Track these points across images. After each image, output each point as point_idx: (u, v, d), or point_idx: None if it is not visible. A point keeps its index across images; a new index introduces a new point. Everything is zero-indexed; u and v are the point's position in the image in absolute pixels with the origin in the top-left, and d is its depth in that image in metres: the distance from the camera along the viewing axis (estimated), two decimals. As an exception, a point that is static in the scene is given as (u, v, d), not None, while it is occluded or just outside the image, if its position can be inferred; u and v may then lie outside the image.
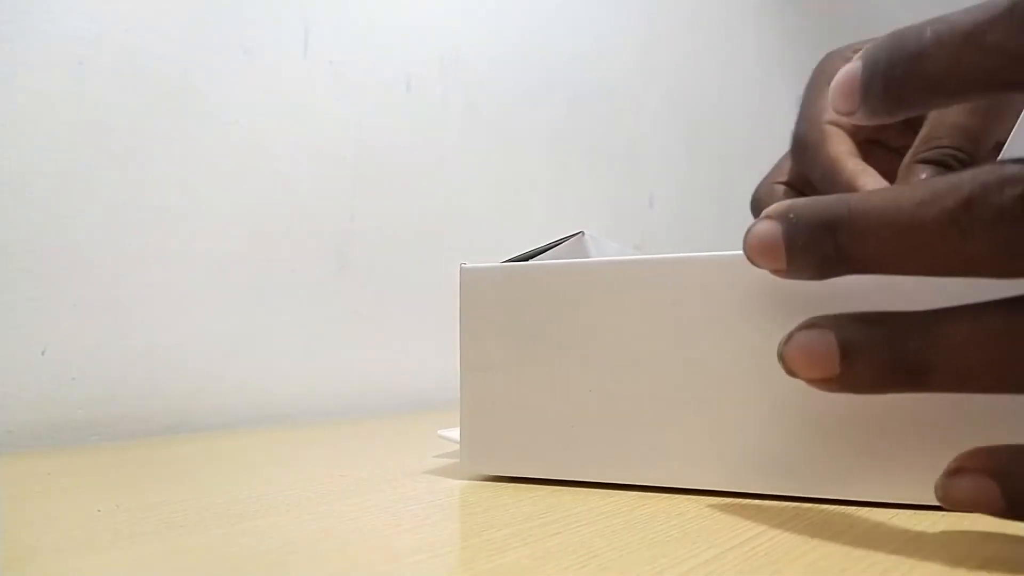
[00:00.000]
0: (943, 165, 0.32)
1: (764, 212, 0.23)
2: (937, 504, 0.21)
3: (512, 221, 0.78)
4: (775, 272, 0.22)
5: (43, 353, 0.47)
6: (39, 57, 0.47)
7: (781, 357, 0.22)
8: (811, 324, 0.22)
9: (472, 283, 0.31)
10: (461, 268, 0.31)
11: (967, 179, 0.19)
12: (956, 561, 0.19)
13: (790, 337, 0.22)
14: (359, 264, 0.64)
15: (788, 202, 0.22)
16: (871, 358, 0.20)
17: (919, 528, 0.22)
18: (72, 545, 0.22)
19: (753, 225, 0.23)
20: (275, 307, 0.58)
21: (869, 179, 0.34)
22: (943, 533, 0.22)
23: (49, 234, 0.47)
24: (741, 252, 0.26)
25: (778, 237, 0.22)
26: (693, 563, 0.19)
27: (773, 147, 0.53)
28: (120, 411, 0.49)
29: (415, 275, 0.68)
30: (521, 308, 0.30)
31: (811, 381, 0.21)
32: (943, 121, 0.32)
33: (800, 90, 0.45)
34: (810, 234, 0.21)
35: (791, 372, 0.22)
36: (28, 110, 0.47)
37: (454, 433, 0.32)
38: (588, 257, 0.32)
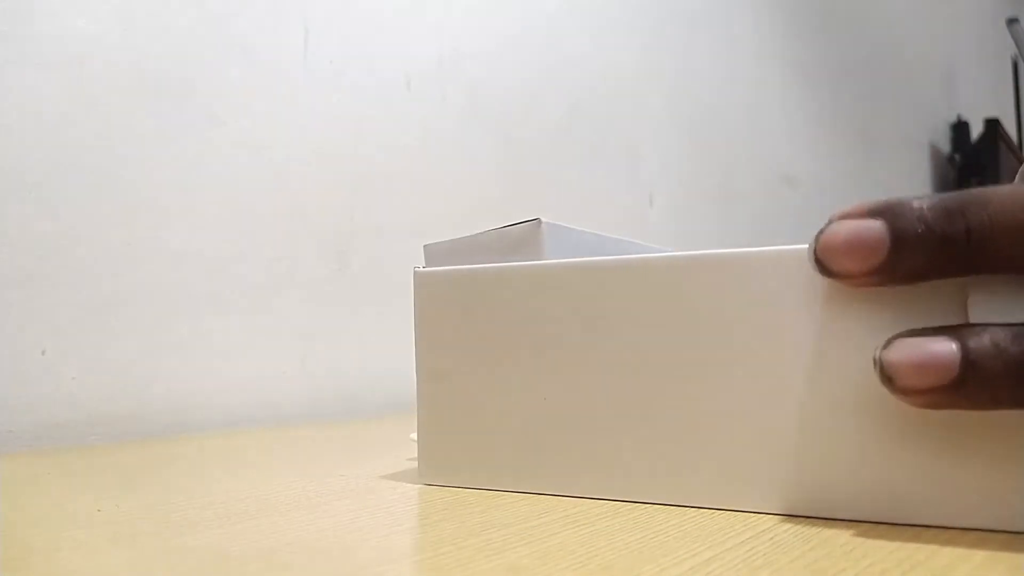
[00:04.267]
0: None
1: (843, 212, 0.21)
2: (928, 523, 0.21)
3: (512, 221, 0.78)
4: (857, 277, 0.21)
5: (43, 353, 0.47)
6: (39, 57, 0.47)
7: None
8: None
9: (426, 287, 0.30)
10: (415, 272, 0.30)
11: None
12: (955, 561, 0.19)
13: (826, 227, 0.21)
14: (358, 264, 0.64)
15: (881, 200, 0.21)
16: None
17: (918, 528, 0.22)
18: (72, 545, 0.22)
19: (833, 223, 0.21)
20: (275, 307, 0.58)
21: None
22: (942, 533, 0.22)
23: (49, 234, 0.47)
24: (702, 253, 0.25)
25: (880, 230, 0.20)
26: (693, 563, 0.19)
27: (773, 144, 0.53)
28: (120, 411, 0.49)
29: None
30: (477, 312, 0.29)
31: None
32: None
33: (797, 89, 0.44)
34: (934, 219, 0.20)
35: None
36: (28, 110, 0.47)
37: None
38: (541, 247, 0.30)
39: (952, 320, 0.21)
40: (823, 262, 0.22)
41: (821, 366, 0.24)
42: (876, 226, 0.21)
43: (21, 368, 0.46)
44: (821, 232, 0.21)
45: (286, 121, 0.60)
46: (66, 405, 0.47)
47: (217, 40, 0.56)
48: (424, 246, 0.32)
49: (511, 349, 0.28)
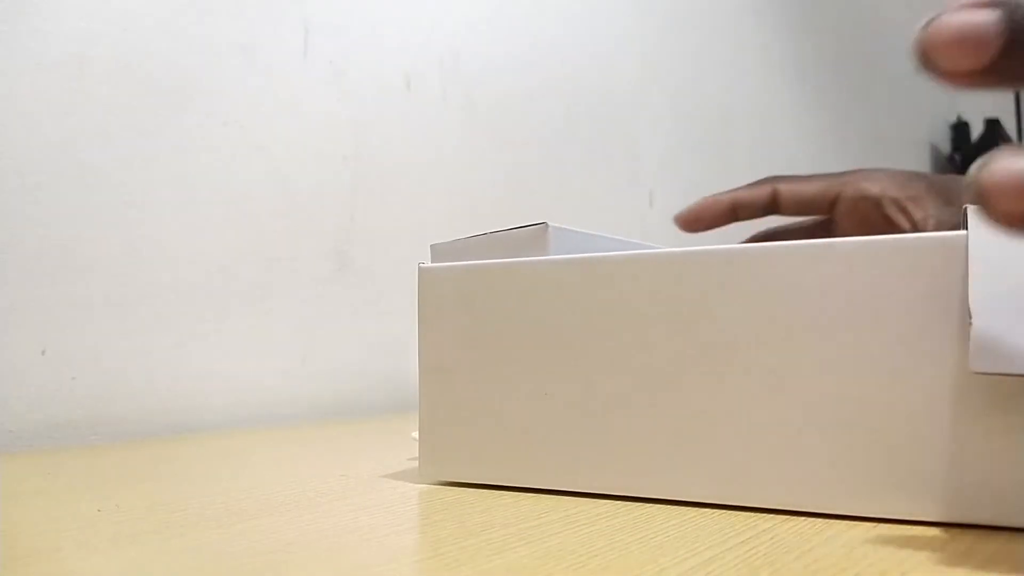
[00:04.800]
0: None
1: (960, 3, 0.19)
2: (929, 520, 0.21)
3: (512, 221, 0.77)
4: (961, 76, 0.19)
5: (43, 353, 0.47)
6: (39, 57, 0.47)
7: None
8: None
9: (430, 282, 0.30)
10: (419, 268, 0.30)
11: None
12: (955, 560, 0.19)
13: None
14: (359, 264, 0.64)
15: None
16: None
17: (918, 528, 0.22)
18: (72, 545, 0.22)
19: (945, 13, 0.19)
20: (275, 307, 0.58)
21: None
22: (942, 533, 0.22)
23: (49, 234, 0.47)
24: (706, 248, 0.25)
25: (992, 22, 0.18)
26: (693, 563, 0.19)
27: (773, 144, 0.53)
28: (120, 411, 0.49)
29: (414, 275, 0.68)
30: (480, 308, 0.29)
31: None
32: None
33: (797, 89, 0.44)
34: None
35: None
36: (28, 110, 0.47)
37: None
38: (547, 250, 0.30)
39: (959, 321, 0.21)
40: (927, 55, 0.19)
41: (823, 361, 0.24)
42: (991, 19, 0.18)
43: (21, 368, 0.46)
44: (930, 21, 0.19)
45: (286, 121, 0.60)
46: (66, 405, 0.47)
47: (217, 40, 0.56)
48: (431, 245, 0.32)
49: (514, 345, 0.28)
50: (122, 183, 0.51)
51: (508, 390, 0.28)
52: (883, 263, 0.23)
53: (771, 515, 0.24)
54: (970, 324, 0.21)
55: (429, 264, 0.31)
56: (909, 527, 0.22)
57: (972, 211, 0.22)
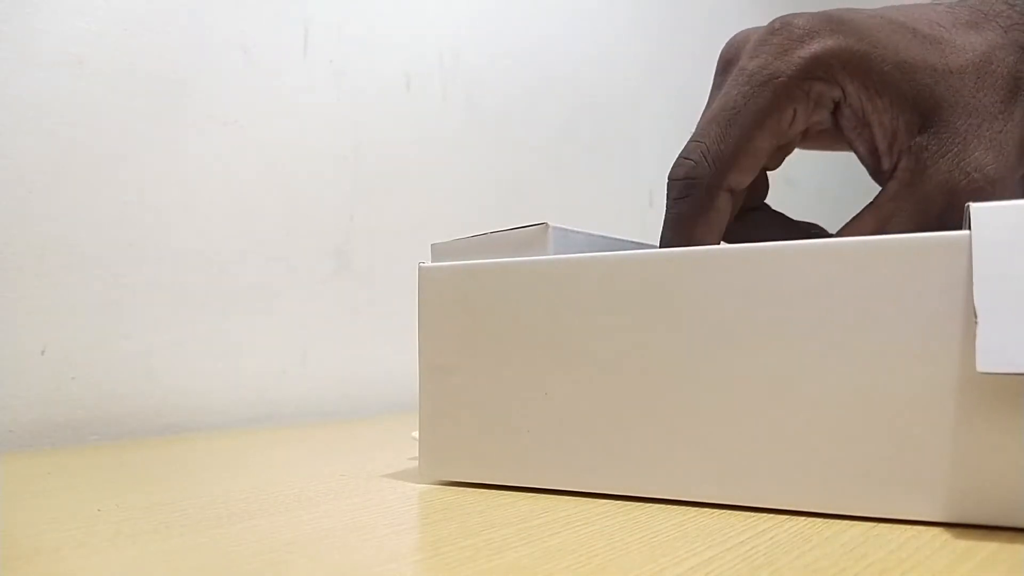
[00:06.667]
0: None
1: None
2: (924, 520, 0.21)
3: (512, 221, 0.78)
4: None
5: (43, 353, 0.47)
6: (39, 57, 0.47)
7: None
8: None
9: (431, 282, 0.30)
10: (419, 268, 0.30)
11: None
12: (955, 560, 0.19)
13: None
14: (358, 264, 0.64)
15: None
16: None
17: (918, 528, 0.22)
18: (72, 545, 0.22)
19: None
20: (275, 307, 0.58)
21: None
22: (943, 533, 0.22)
23: (49, 234, 0.47)
24: (704, 248, 0.26)
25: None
26: (693, 563, 0.19)
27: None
28: (120, 411, 0.49)
29: (414, 275, 0.68)
30: (480, 307, 0.29)
31: None
32: None
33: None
34: None
35: None
36: (28, 110, 0.47)
37: None
38: (547, 250, 0.30)
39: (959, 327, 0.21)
40: None
41: (825, 361, 0.24)
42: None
43: (21, 368, 0.46)
44: None
45: (286, 121, 0.60)
46: (66, 405, 0.47)
47: (216, 40, 0.56)
48: (431, 245, 0.32)
49: (514, 345, 0.28)
50: (122, 183, 0.51)
51: (508, 390, 0.28)
52: (886, 263, 0.23)
53: (771, 515, 0.24)
54: (976, 324, 0.21)
55: (429, 264, 0.31)
56: (909, 527, 0.22)
57: (975, 209, 0.22)
